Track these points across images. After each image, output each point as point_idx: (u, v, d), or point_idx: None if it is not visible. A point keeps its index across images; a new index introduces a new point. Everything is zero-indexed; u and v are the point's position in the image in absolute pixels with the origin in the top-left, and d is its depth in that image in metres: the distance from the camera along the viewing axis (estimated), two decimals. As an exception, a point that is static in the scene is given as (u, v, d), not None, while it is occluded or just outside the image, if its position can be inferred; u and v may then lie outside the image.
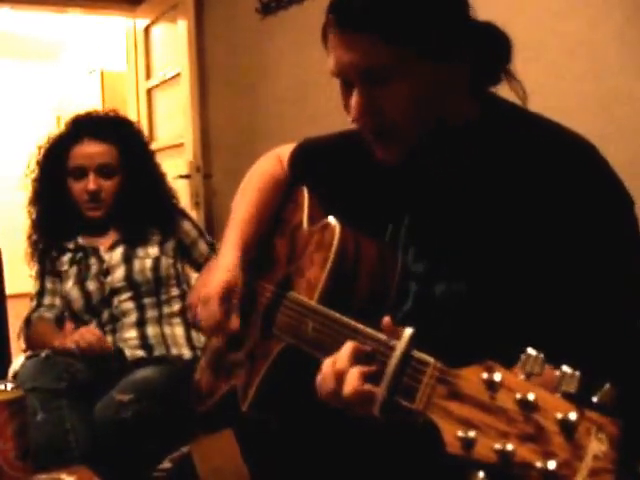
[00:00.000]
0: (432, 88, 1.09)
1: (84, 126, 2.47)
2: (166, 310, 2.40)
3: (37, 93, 8.42)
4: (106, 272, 2.39)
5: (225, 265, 1.43)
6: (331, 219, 1.29)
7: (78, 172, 2.42)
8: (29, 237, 2.53)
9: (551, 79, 2.09)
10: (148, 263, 2.39)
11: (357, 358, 1.00)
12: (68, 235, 2.47)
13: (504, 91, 1.18)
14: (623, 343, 0.99)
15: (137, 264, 2.39)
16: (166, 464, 2.02)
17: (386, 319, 1.01)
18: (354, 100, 1.11)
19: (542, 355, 0.76)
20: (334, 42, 1.10)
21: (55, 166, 2.45)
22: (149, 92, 4.95)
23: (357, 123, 1.14)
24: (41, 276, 2.49)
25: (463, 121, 1.15)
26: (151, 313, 2.38)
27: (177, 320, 2.40)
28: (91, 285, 2.38)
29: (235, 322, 1.37)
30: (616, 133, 1.96)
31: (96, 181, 2.41)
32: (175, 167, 4.29)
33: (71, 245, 2.46)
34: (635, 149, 1.93)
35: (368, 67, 1.07)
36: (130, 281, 2.37)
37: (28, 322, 2.43)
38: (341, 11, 1.09)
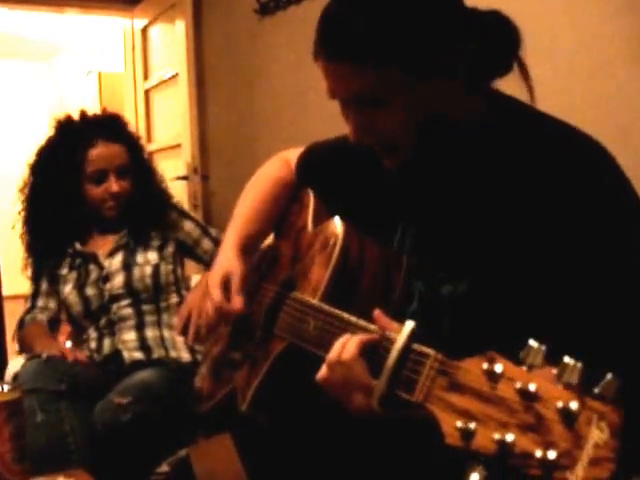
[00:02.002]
0: (425, 103, 1.10)
1: (94, 129, 2.42)
2: (165, 317, 2.39)
3: (34, 94, 8.44)
4: (105, 279, 2.38)
5: (223, 260, 1.44)
6: (335, 220, 1.29)
7: (98, 176, 2.38)
8: (27, 249, 2.50)
9: (557, 75, 2.08)
10: (148, 270, 2.38)
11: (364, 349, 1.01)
12: (69, 240, 2.44)
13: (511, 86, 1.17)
14: (625, 338, 0.98)
15: (137, 271, 2.38)
16: (164, 468, 2.02)
17: (376, 311, 1.03)
18: (351, 123, 1.13)
19: (544, 347, 0.76)
20: (323, 69, 1.12)
21: (67, 173, 2.39)
22: (147, 93, 4.95)
23: (357, 143, 1.16)
24: (37, 278, 2.48)
25: (465, 120, 1.15)
26: (150, 318, 2.37)
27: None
28: (90, 291, 2.37)
29: (238, 301, 1.36)
30: (621, 132, 1.95)
31: (117, 182, 2.39)
32: (173, 168, 4.29)
33: (70, 250, 2.44)
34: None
35: (358, 92, 1.09)
36: (129, 288, 2.36)
37: (21, 324, 2.43)
38: (324, 42, 1.10)
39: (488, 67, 1.13)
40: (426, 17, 1.07)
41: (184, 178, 4.34)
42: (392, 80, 1.06)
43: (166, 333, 2.36)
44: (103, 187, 2.39)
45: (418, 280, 1.20)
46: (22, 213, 2.49)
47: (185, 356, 2.33)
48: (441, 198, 1.20)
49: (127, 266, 2.38)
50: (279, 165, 1.58)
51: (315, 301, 1.20)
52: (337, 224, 1.28)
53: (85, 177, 2.38)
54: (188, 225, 2.53)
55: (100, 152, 2.38)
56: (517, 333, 0.88)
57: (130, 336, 2.32)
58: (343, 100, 1.13)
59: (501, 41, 1.11)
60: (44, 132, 2.52)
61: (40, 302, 2.45)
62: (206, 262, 2.48)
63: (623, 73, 2.00)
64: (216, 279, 1.39)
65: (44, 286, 2.46)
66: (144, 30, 4.88)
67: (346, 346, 1.02)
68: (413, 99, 1.08)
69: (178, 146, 4.49)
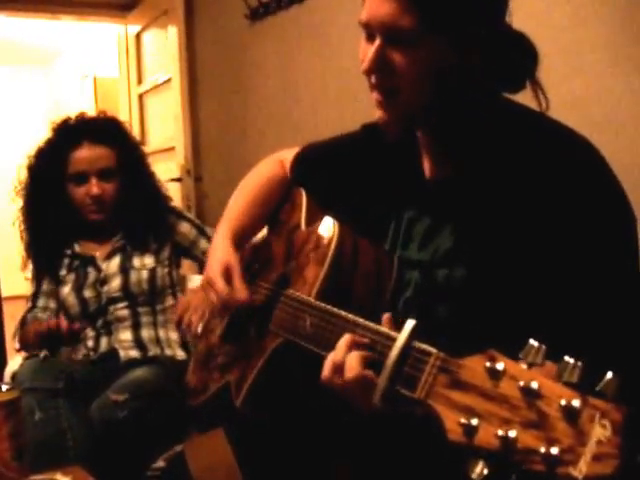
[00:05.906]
0: (444, 68, 1.10)
1: (81, 130, 2.43)
2: (161, 318, 2.41)
3: (30, 99, 8.43)
4: (103, 281, 2.39)
5: (219, 253, 1.43)
6: (329, 218, 1.30)
7: (79, 177, 2.39)
8: (26, 248, 2.50)
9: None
10: (144, 274, 2.40)
11: (356, 348, 1.01)
12: (66, 241, 2.45)
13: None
14: (624, 335, 0.99)
15: (133, 275, 2.39)
16: (159, 463, 2.03)
17: (386, 316, 1.03)
18: (370, 52, 1.12)
19: (544, 347, 0.77)
20: None
21: (52, 173, 2.41)
22: (141, 97, 4.96)
23: (366, 75, 1.15)
24: (37, 278, 2.48)
25: (469, 114, 1.16)
26: (146, 319, 2.39)
27: (172, 326, 2.38)
28: (88, 293, 2.39)
29: (243, 291, 1.35)
30: (595, 132, 1.96)
31: (98, 185, 2.39)
32: (166, 170, 4.30)
33: (69, 251, 2.45)
34: (614, 148, 1.93)
35: (393, 26, 1.07)
36: (126, 291, 2.38)
37: (23, 322, 2.43)
38: None
39: (501, 78, 1.15)
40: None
41: (177, 180, 4.36)
42: (432, 31, 1.06)
43: (161, 333, 2.38)
44: (84, 189, 2.39)
45: (414, 269, 1.21)
46: (20, 212, 2.50)
47: (180, 354, 2.36)
48: (441, 185, 1.21)
49: (124, 269, 2.39)
50: (272, 165, 1.59)
51: (311, 298, 1.21)
52: (331, 223, 1.28)
53: (67, 178, 2.40)
54: (185, 226, 2.53)
55: (82, 154, 2.39)
56: (513, 323, 0.89)
57: (126, 336, 2.34)
58: (374, 30, 1.11)
59: (516, 59, 1.13)
60: (41, 135, 2.52)
61: (41, 302, 2.46)
62: (203, 262, 2.48)
63: (599, 76, 2.02)
64: (216, 271, 1.38)
65: (45, 286, 2.46)
66: (138, 36, 4.90)
67: (347, 364, 1.02)
68: (438, 57, 1.08)
69: (171, 149, 4.50)
